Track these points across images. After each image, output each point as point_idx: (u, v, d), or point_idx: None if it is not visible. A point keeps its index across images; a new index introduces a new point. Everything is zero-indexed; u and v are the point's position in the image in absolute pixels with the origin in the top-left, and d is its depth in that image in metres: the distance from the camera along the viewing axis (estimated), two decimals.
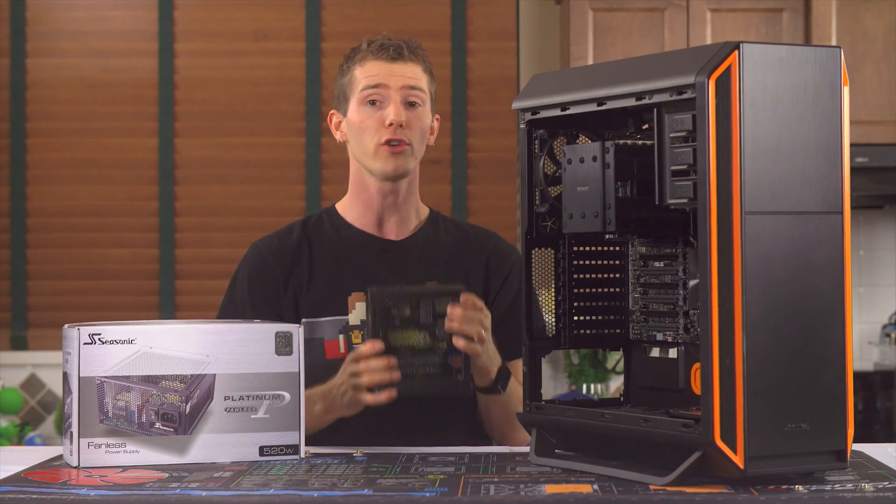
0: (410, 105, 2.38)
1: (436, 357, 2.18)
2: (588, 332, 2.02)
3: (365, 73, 2.39)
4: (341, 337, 2.39)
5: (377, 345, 2.15)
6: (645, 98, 1.80)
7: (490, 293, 2.45)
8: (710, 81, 1.70)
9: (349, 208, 2.48)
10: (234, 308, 2.44)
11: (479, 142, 4.99)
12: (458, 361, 2.19)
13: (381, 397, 2.17)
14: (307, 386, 2.33)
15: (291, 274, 2.43)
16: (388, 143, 2.36)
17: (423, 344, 2.17)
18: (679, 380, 1.91)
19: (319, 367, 2.32)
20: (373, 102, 2.38)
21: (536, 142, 2.00)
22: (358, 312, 2.38)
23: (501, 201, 4.98)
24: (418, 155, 2.41)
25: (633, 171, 1.87)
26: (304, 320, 2.38)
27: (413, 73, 2.39)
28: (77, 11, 4.99)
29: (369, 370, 2.16)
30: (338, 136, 2.47)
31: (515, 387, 2.31)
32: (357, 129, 2.39)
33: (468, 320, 2.17)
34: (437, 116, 2.48)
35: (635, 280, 1.99)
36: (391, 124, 2.35)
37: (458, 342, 2.16)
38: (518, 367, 2.28)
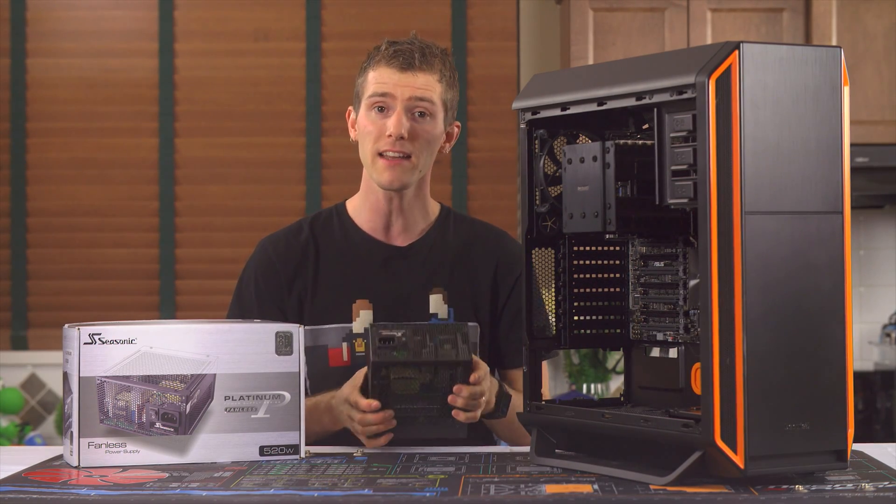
0: (419, 116, 2.35)
1: (434, 399, 2.13)
2: (588, 331, 2.02)
3: (375, 79, 2.36)
4: (345, 345, 2.38)
5: (373, 404, 2.11)
6: (645, 98, 1.80)
7: (499, 298, 2.44)
8: (711, 81, 1.70)
9: (358, 209, 2.46)
10: (241, 307, 2.43)
11: (479, 142, 4.99)
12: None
13: (380, 441, 2.15)
14: (313, 393, 2.33)
15: (296, 276, 2.42)
16: (385, 154, 2.34)
17: (423, 389, 2.12)
18: (679, 380, 1.91)
19: (323, 374, 2.32)
20: (380, 109, 2.35)
21: (537, 142, 2.00)
22: (362, 320, 2.37)
23: (501, 201, 4.98)
24: (422, 167, 2.37)
25: (634, 171, 1.87)
26: (308, 327, 2.36)
27: (423, 84, 2.34)
28: (77, 11, 4.99)
29: (366, 425, 2.13)
30: (352, 133, 2.44)
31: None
32: (362, 132, 2.38)
33: (472, 398, 2.13)
34: (458, 123, 2.45)
35: (635, 280, 1.99)
36: (391, 136, 2.33)
37: (459, 415, 2.13)
38: None
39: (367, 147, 2.36)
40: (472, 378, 2.12)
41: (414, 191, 2.41)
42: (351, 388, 2.16)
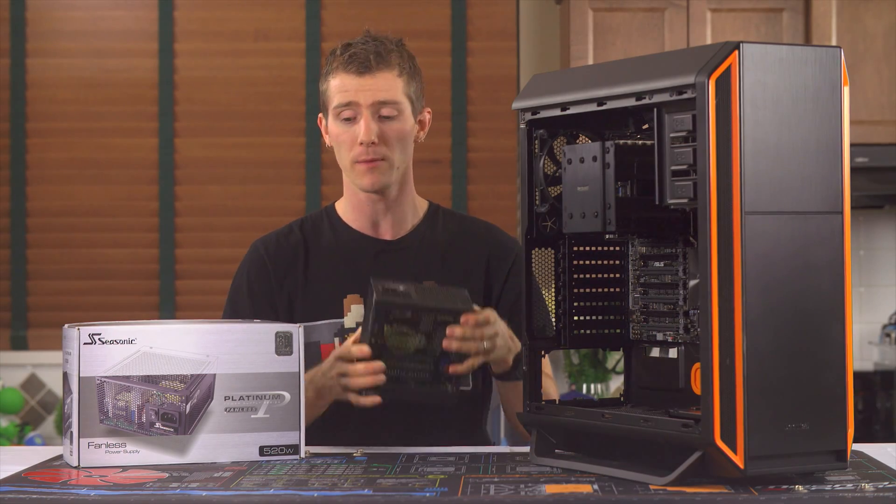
0: (385, 118, 2.35)
1: (428, 362, 2.14)
2: (588, 332, 2.02)
3: (337, 88, 2.36)
4: (337, 340, 2.38)
5: (364, 349, 2.12)
6: (645, 98, 1.80)
7: (493, 290, 2.45)
8: (710, 81, 1.70)
9: (346, 209, 2.48)
10: (233, 309, 2.44)
11: (479, 142, 4.99)
12: (449, 369, 2.17)
13: (366, 402, 2.14)
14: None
15: (287, 275, 2.43)
16: (361, 160, 2.35)
17: (418, 348, 2.13)
18: (679, 380, 1.91)
19: None
20: (347, 119, 2.36)
21: (536, 142, 2.00)
22: (353, 315, 2.37)
23: (501, 201, 4.98)
24: (400, 165, 2.38)
25: (633, 171, 1.87)
26: (300, 324, 2.36)
27: (384, 85, 2.34)
28: (77, 11, 4.99)
29: (355, 374, 2.13)
30: (326, 139, 2.46)
31: None
32: (335, 142, 2.40)
33: (468, 340, 2.13)
34: (429, 109, 2.45)
35: (635, 280, 1.99)
36: (362, 143, 2.34)
37: (457, 367, 2.13)
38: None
39: (342, 155, 2.39)
40: (476, 318, 2.13)
41: (397, 188, 2.42)
42: (340, 348, 2.17)
